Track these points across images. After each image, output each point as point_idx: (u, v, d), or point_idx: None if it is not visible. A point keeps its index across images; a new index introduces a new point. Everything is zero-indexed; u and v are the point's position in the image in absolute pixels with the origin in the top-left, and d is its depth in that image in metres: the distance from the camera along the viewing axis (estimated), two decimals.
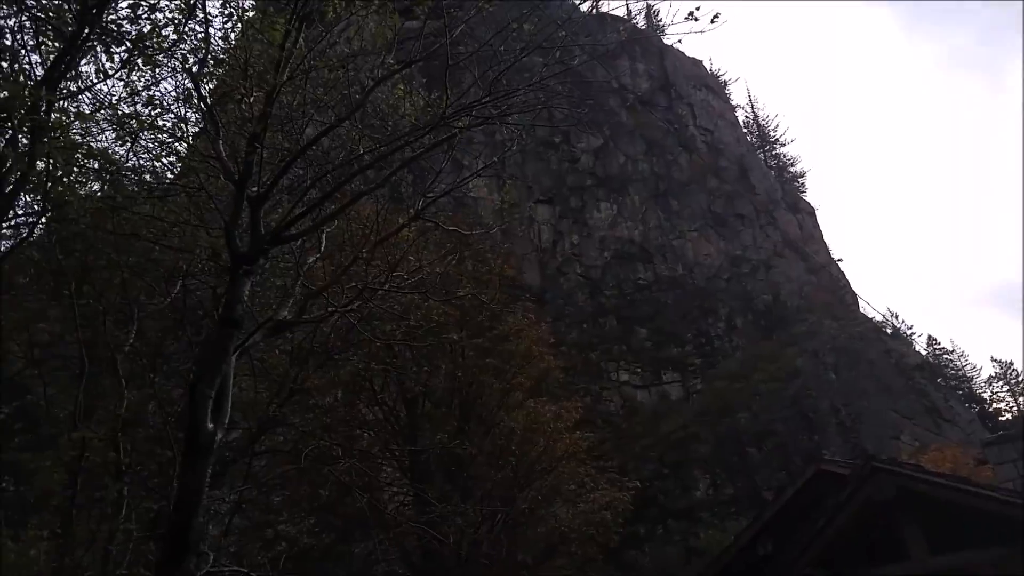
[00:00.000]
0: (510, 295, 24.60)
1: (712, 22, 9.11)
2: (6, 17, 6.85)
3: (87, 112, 7.44)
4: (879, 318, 55.28)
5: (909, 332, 57.12)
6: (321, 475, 15.57)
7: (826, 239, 63.70)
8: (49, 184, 6.58)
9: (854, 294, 57.15)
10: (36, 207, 7.68)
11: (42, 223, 9.59)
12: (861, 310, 54.67)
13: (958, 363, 59.86)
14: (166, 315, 10.04)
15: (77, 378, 8.69)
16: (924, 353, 54.12)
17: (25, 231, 7.46)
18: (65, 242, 9.12)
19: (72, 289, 8.62)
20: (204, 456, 7.34)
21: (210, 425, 7.44)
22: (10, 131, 6.17)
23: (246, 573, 8.14)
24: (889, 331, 53.21)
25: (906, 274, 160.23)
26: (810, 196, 72.53)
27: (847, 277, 58.71)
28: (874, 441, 33.71)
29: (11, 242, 8.86)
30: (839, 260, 62.54)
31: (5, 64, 6.87)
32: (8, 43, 6.88)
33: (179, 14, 7.77)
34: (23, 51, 6.93)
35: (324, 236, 11.17)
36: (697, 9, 9.54)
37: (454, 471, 18.09)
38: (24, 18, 6.82)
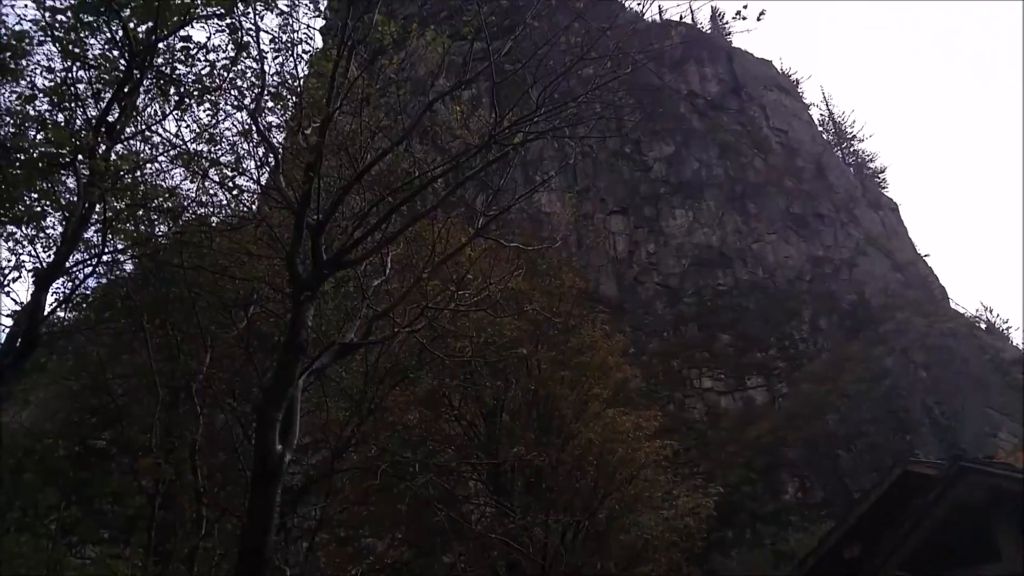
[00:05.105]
0: (586, 308, 24.54)
1: (758, 19, 9.24)
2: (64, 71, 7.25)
3: (154, 153, 7.88)
4: (972, 313, 52.35)
5: (1005, 326, 53.78)
6: (401, 490, 15.85)
7: (911, 235, 61.10)
8: (113, 224, 6.97)
9: (944, 290, 54.48)
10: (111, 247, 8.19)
11: (124, 260, 10.23)
12: (952, 306, 52.01)
13: None
14: (239, 343, 10.47)
15: (158, 406, 9.18)
16: (1023, 348, 50.95)
17: (89, 268, 7.91)
18: (143, 278, 9.67)
19: (147, 322, 9.11)
20: (273, 477, 7.63)
21: (278, 447, 7.72)
22: (72, 177, 6.60)
23: None
24: (984, 326, 50.35)
25: (1001, 266, 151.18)
26: (892, 192, 69.81)
27: (935, 273, 56.13)
28: (970, 440, 32.09)
29: (91, 279, 9.46)
30: (926, 256, 59.78)
31: (64, 116, 7.30)
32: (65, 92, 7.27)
33: (232, 51, 8.10)
34: (78, 104, 7.34)
35: (388, 259, 11.46)
36: (745, 7, 9.65)
37: (534, 482, 18.15)
38: (76, 67, 7.20)
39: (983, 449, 29.97)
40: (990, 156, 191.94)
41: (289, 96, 9.02)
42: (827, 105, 74.90)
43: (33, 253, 7.84)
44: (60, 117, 7.24)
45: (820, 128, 69.07)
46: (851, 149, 71.63)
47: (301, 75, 9.48)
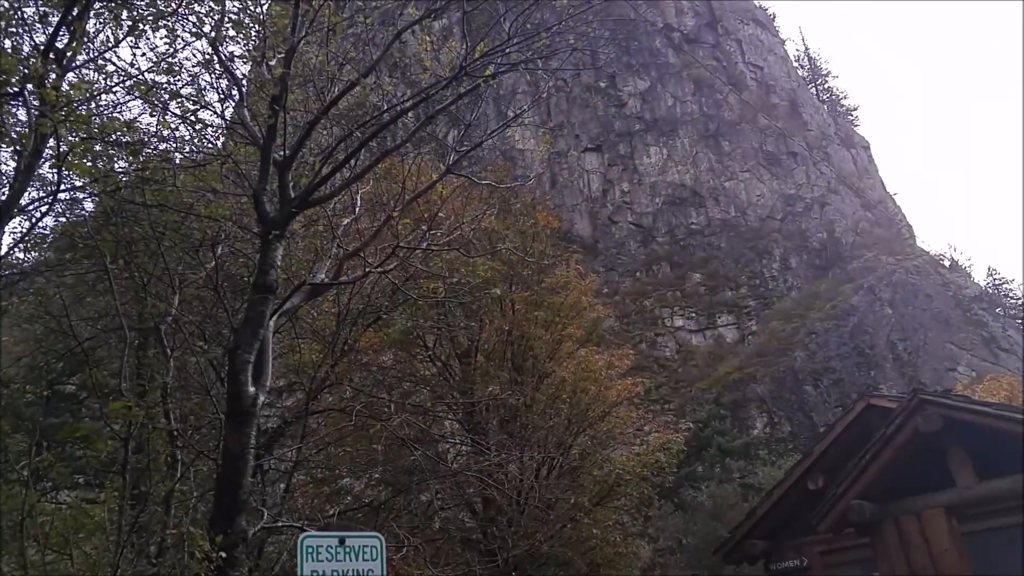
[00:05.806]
0: (560, 248, 24.55)
1: None
2: None
3: (108, 84, 7.45)
4: (937, 251, 53.68)
5: (968, 264, 55.61)
6: (377, 431, 15.89)
7: (881, 173, 61.97)
8: (68, 159, 6.60)
9: (910, 228, 55.84)
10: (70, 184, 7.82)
11: (84, 198, 9.86)
12: (918, 244, 53.24)
13: (1019, 292, 57.78)
14: (208, 284, 10.24)
15: (127, 349, 8.97)
16: (983, 284, 52.47)
17: (45, 207, 7.54)
18: (104, 216, 9.32)
19: (110, 262, 8.81)
20: (247, 418, 7.53)
21: (251, 389, 7.60)
22: (22, 107, 6.20)
23: (300, 527, 8.38)
24: (947, 263, 51.65)
25: (968, 204, 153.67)
26: (863, 130, 70.33)
27: (903, 211, 57.31)
28: (931, 374, 33.35)
29: (48, 217, 9.09)
30: (895, 194, 60.92)
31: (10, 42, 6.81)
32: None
33: None
34: (24, 29, 6.84)
35: (358, 197, 11.19)
36: None
37: (508, 421, 18.37)
38: None
39: (942, 383, 31.16)
40: (961, 90, 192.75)
41: (251, 24, 8.57)
42: (802, 40, 74.69)
43: None
44: (7, 44, 6.76)
45: (796, 64, 68.76)
46: (825, 86, 71.54)
47: (263, 1, 9.03)
